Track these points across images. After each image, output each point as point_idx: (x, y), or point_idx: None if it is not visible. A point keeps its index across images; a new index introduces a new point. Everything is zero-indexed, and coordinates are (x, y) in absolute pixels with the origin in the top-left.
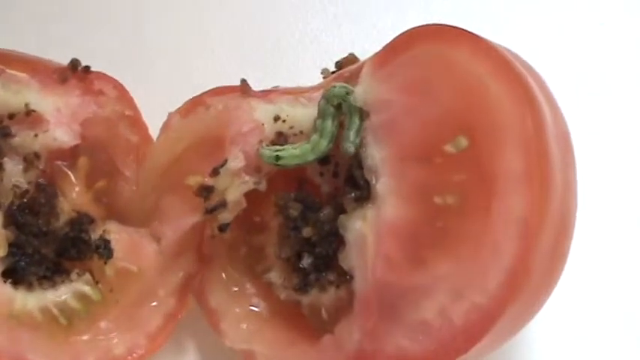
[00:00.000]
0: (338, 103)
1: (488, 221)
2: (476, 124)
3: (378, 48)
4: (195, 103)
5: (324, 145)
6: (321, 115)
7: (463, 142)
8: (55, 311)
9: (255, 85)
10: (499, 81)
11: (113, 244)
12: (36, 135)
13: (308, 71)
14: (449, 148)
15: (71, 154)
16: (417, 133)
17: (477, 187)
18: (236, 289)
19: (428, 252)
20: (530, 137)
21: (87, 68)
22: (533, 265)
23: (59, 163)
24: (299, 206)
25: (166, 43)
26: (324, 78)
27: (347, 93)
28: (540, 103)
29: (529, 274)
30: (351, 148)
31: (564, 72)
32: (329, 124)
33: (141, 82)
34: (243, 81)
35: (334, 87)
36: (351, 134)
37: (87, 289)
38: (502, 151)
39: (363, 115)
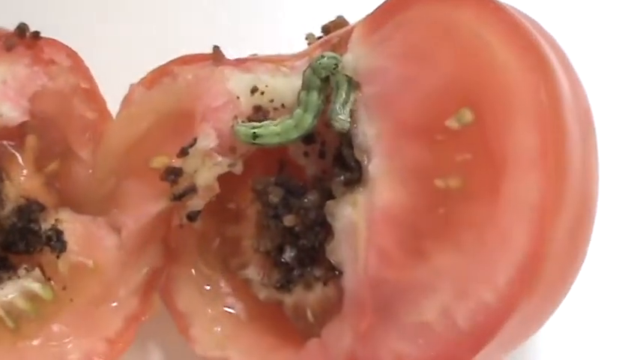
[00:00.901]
0: (326, 75)
1: (496, 207)
2: (482, 96)
3: (370, 9)
4: (161, 73)
5: (308, 120)
6: (306, 86)
7: (467, 115)
8: (0, 312)
9: (230, 53)
10: (509, 46)
11: (66, 236)
12: None
13: (290, 36)
14: (451, 123)
15: (18, 133)
16: (415, 106)
17: (483, 167)
18: (208, 287)
19: (428, 243)
20: (545, 111)
21: (36, 34)
22: (548, 257)
23: (5, 142)
24: (280, 191)
25: (128, 4)
26: (308, 44)
27: (336, 65)
28: (556, 72)
29: (543, 268)
30: (345, 124)
31: (586, 38)
32: (314, 97)
33: (98, 50)
34: (216, 48)
35: (322, 57)
36: (337, 107)
37: (37, 287)
38: (512, 127)
39: (353, 86)
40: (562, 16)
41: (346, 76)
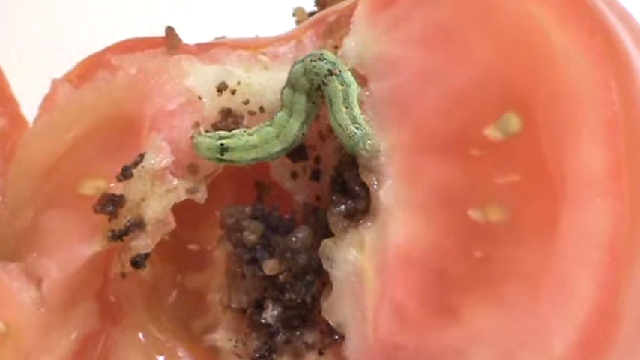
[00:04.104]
0: (318, 84)
1: (553, 247)
2: (533, 96)
3: None
4: (95, 65)
5: (295, 127)
6: (292, 83)
7: (513, 122)
8: None
9: (190, 36)
10: (568, 29)
11: None
12: None
13: (272, 12)
14: (492, 132)
15: None
16: (442, 110)
17: (535, 193)
18: (162, 358)
19: (460, 296)
20: (617, 116)
21: None
22: (623, 314)
23: None
24: (258, 226)
25: None
26: (297, 23)
27: (330, 72)
28: (633, 64)
29: (615, 328)
30: (371, 143)
31: None
32: (302, 98)
33: (9, 34)
34: (169, 29)
35: (320, 57)
36: (346, 122)
37: None
38: (574, 138)
39: (351, 93)
40: None
41: (342, 80)
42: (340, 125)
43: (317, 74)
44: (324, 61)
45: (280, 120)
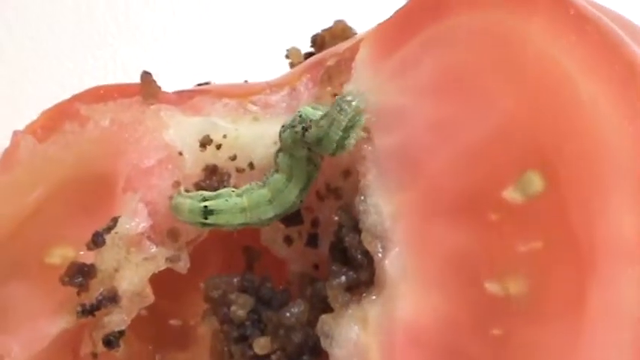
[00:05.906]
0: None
1: (580, 326)
2: (557, 152)
3: (385, 15)
4: (61, 115)
5: (294, 194)
6: (288, 147)
7: (536, 183)
8: None
9: (171, 82)
10: (597, 77)
11: None
12: None
13: (263, 54)
14: (512, 194)
15: None
16: (456, 169)
17: (559, 263)
18: None
19: None
20: None
21: None
22: None
23: None
24: (248, 300)
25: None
26: (291, 66)
27: (304, 128)
28: None
29: None
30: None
31: None
32: (302, 164)
33: None
34: (146, 75)
35: (299, 120)
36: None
37: None
38: (603, 201)
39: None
40: None
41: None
42: (331, 144)
43: (307, 141)
44: (303, 123)
45: (277, 183)
